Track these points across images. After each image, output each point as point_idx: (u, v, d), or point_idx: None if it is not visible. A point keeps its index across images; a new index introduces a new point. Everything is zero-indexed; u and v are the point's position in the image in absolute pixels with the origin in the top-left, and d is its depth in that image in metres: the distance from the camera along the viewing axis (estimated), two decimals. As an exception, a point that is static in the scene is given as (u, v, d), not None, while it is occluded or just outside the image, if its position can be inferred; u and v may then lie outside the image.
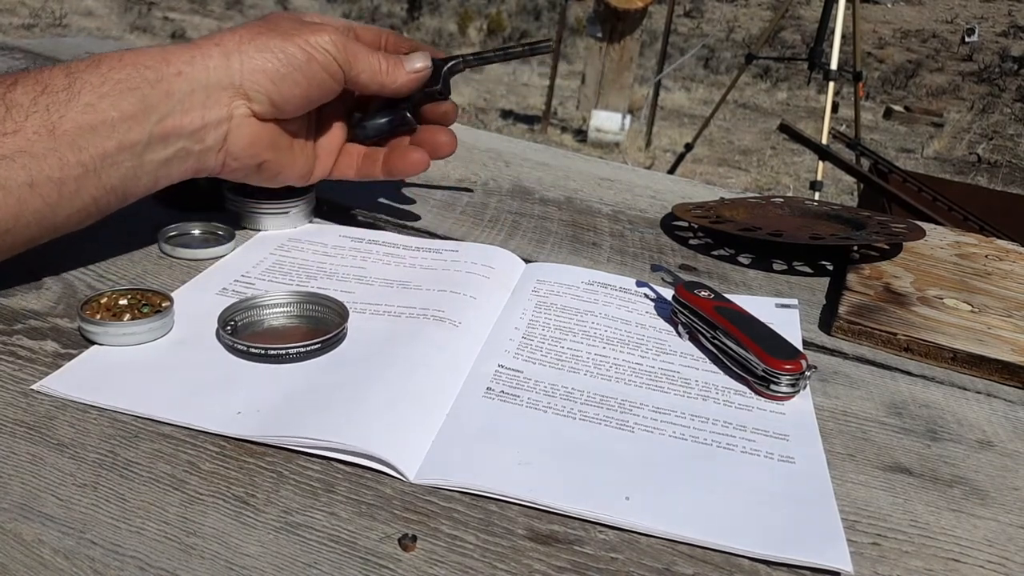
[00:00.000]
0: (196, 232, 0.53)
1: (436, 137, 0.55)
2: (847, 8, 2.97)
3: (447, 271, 0.52)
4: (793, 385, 0.42)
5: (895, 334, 0.50)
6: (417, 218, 0.63)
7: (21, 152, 0.39)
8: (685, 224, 0.69)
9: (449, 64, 0.55)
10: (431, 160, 0.55)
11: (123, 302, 0.42)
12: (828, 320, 0.53)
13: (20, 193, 0.39)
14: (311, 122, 0.53)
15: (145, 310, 0.42)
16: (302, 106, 0.49)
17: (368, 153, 0.56)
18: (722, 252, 0.64)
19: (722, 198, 0.74)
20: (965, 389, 0.47)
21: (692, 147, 3.49)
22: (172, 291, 0.46)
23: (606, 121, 4.83)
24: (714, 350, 0.46)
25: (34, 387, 0.37)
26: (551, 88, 5.11)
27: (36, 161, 0.39)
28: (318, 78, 0.48)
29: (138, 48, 0.45)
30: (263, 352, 0.40)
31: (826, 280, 0.60)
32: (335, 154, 0.55)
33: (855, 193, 3.50)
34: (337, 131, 0.55)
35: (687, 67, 7.46)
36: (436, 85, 0.55)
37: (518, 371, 0.42)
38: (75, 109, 0.40)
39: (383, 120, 0.55)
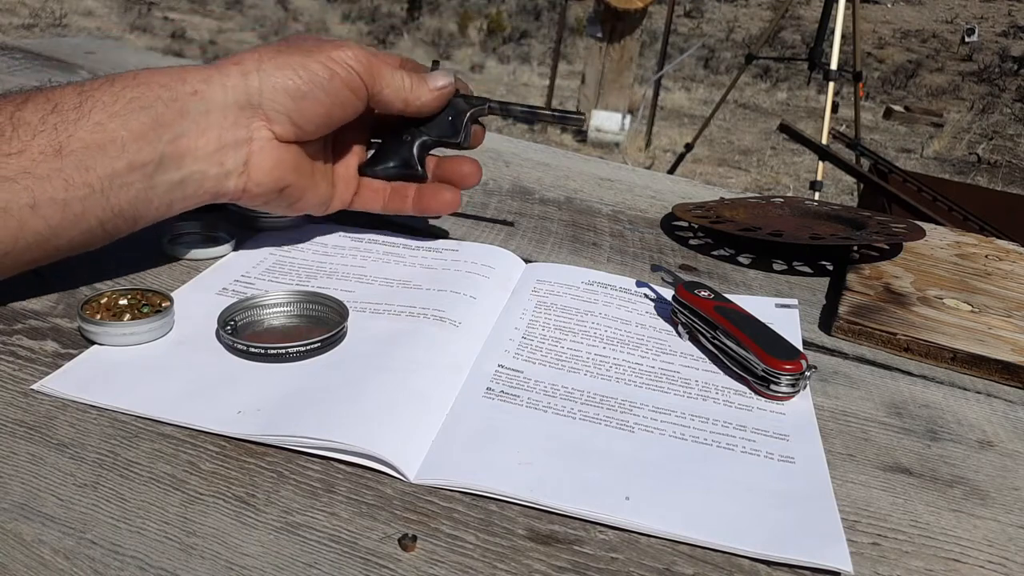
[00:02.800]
0: (196, 232, 0.53)
1: (460, 168, 0.54)
2: (847, 8, 2.97)
3: (447, 271, 0.52)
4: (793, 385, 0.42)
5: (895, 334, 0.50)
6: (417, 219, 0.63)
7: (25, 173, 0.38)
8: (685, 224, 0.69)
9: (471, 111, 0.53)
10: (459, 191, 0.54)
11: (123, 302, 0.42)
12: (828, 320, 0.53)
13: (21, 215, 0.38)
14: (328, 147, 0.51)
15: (145, 310, 0.42)
16: (324, 126, 0.47)
17: (396, 188, 0.54)
18: (722, 252, 0.64)
19: (722, 198, 0.74)
20: (965, 389, 0.47)
21: (692, 147, 3.49)
22: (172, 291, 0.46)
23: (606, 121, 4.82)
24: (714, 350, 0.46)
25: (34, 387, 0.37)
26: (551, 88, 5.11)
27: (40, 182, 0.38)
28: (341, 96, 0.46)
29: (155, 68, 0.43)
30: (263, 351, 0.40)
31: (826, 280, 0.60)
32: (353, 183, 0.53)
33: (855, 193, 3.50)
34: (355, 159, 0.53)
35: (687, 67, 7.46)
36: (457, 138, 0.53)
37: (518, 371, 0.42)
38: (84, 128, 0.39)
39: (392, 166, 0.53)
